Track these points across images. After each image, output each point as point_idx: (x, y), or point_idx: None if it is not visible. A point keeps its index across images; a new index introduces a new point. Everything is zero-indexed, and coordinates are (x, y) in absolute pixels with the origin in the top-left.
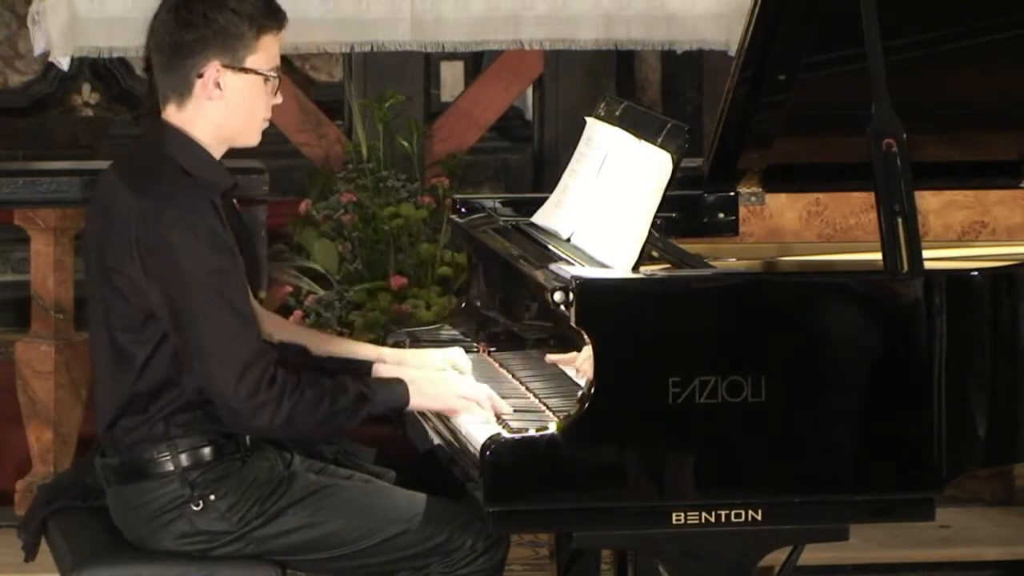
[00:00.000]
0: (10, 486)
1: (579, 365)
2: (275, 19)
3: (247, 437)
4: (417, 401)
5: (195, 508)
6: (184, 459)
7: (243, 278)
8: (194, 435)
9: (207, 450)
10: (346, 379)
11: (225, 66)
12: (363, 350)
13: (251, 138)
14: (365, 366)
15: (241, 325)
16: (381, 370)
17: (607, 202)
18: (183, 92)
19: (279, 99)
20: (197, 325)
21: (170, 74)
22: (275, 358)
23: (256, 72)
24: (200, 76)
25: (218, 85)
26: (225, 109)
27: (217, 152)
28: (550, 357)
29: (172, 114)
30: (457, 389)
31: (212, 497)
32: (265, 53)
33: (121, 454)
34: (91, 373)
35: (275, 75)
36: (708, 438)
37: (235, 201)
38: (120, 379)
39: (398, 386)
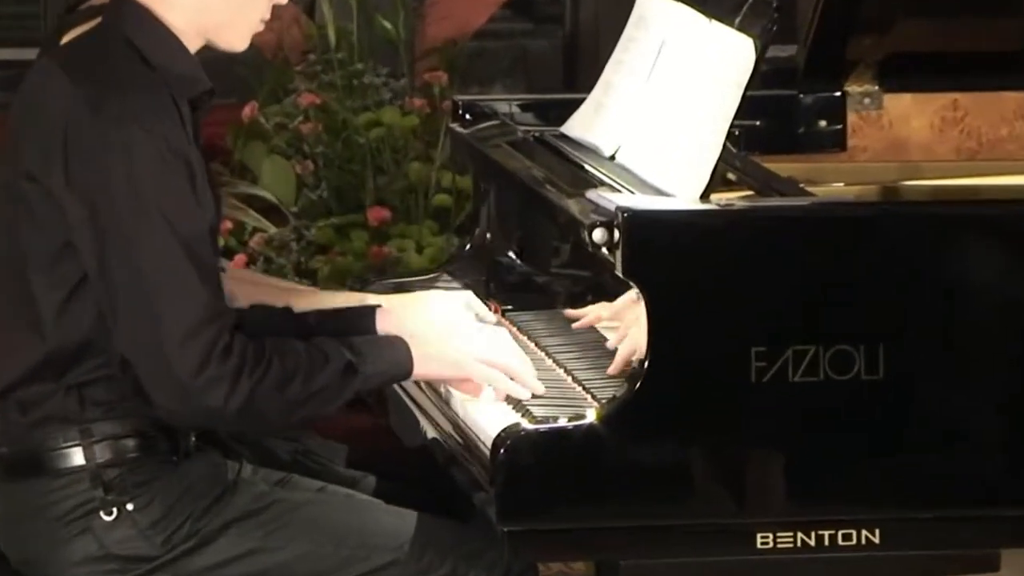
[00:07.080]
0: None
1: (621, 327)
2: None
3: (190, 433)
4: (423, 368)
5: (105, 518)
6: (99, 451)
7: (206, 214)
8: (116, 420)
9: (131, 442)
10: (327, 343)
11: None
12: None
13: (236, 39)
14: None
15: (192, 271)
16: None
17: (665, 106)
18: None
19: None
20: (130, 260)
21: None
22: (232, 321)
23: None
24: None
25: None
26: None
27: (192, 45)
28: (570, 313)
29: None
30: (477, 349)
31: (130, 507)
32: None
33: (13, 439)
34: None
35: None
36: (805, 430)
37: None
38: (25, 334)
39: (396, 349)
